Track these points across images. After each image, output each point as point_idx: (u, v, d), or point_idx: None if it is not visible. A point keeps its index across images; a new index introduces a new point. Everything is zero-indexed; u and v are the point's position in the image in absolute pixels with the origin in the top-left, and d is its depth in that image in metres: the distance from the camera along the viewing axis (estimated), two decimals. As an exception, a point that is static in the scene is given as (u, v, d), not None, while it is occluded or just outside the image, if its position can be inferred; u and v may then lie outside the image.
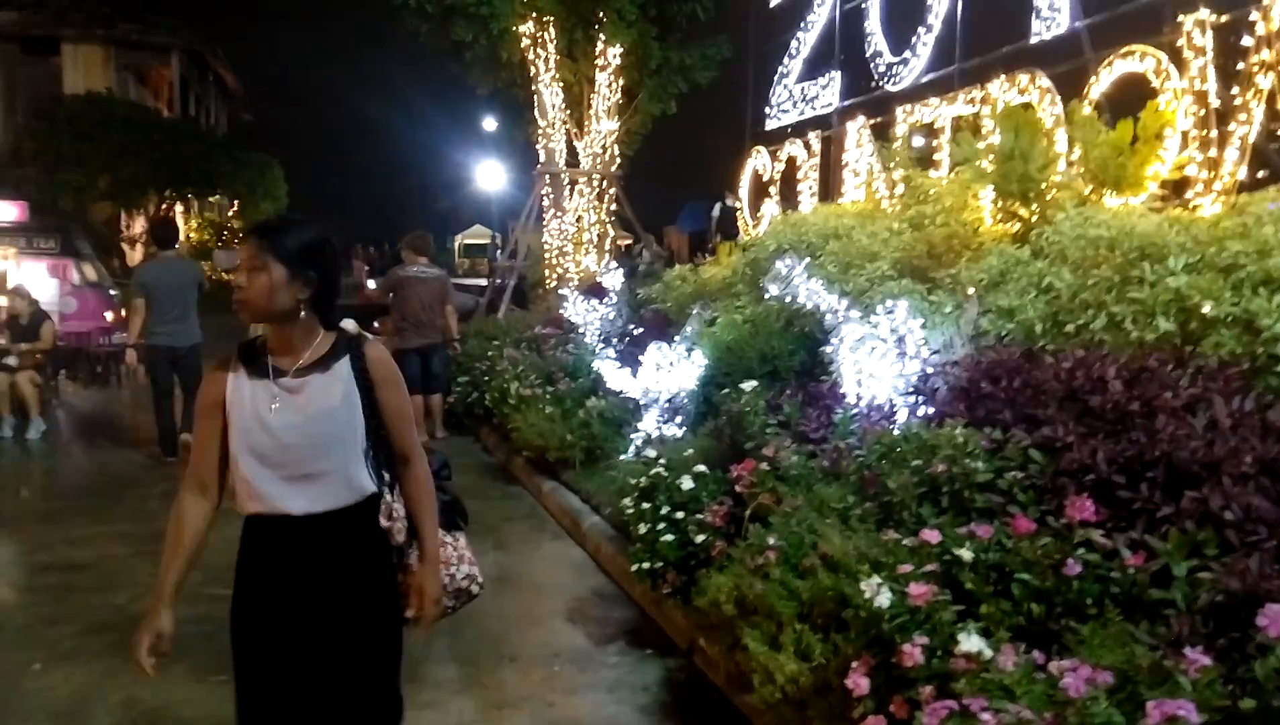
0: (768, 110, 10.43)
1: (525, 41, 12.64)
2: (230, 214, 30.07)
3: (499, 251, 24.97)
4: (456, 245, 43.84)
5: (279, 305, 2.19)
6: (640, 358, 6.28)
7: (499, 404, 8.38)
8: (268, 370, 2.25)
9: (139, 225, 24.23)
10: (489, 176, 31.89)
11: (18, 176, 20.38)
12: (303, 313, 2.24)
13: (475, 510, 6.73)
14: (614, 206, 13.45)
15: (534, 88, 12.95)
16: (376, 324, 10.72)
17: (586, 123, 13.13)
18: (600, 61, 12.70)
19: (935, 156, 7.20)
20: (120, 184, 21.95)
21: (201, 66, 32.40)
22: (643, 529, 4.43)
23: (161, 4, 28.47)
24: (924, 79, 7.75)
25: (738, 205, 10.97)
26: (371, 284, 10.65)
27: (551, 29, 12.51)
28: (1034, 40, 6.54)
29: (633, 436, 6.33)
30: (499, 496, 7.19)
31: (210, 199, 29.01)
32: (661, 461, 4.64)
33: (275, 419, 2.21)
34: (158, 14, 28.08)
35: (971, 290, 5.05)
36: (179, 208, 26.77)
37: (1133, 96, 5.40)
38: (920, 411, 4.30)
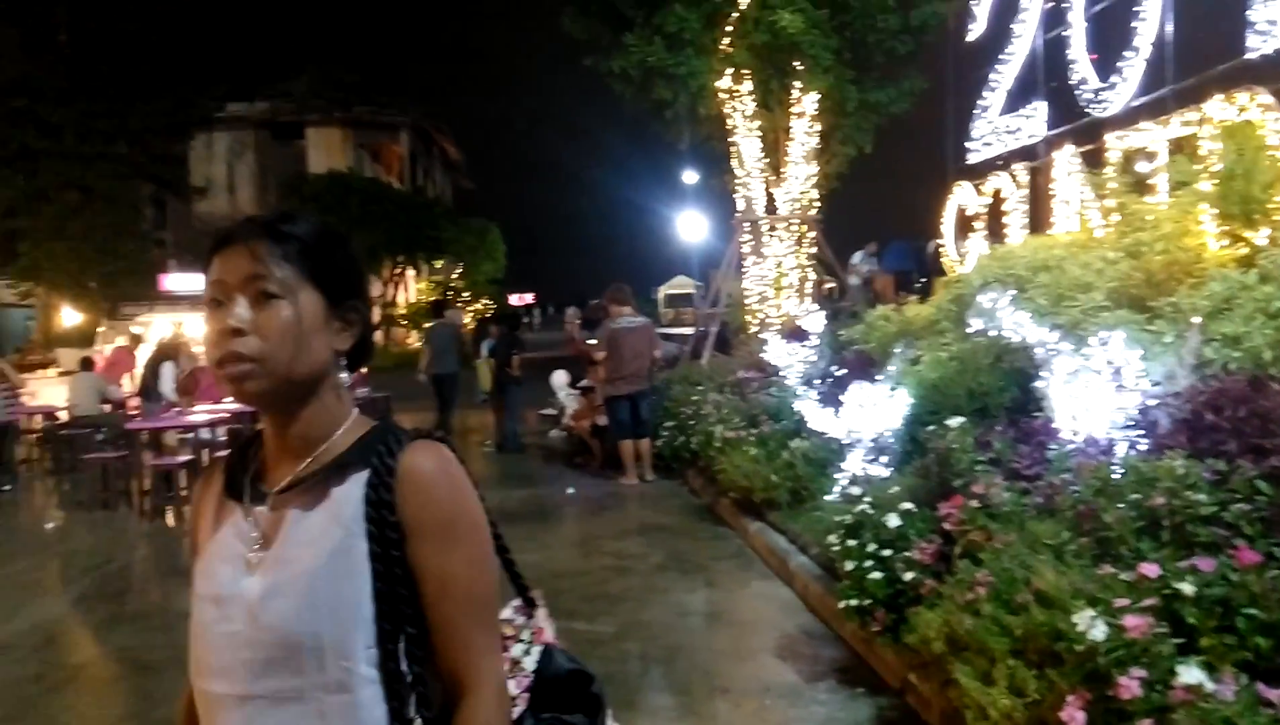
0: (969, 144, 10.26)
1: (722, 96, 13.01)
2: (455, 276, 32.15)
3: (702, 300, 25.47)
4: (660, 296, 44.88)
5: (310, 364, 1.24)
6: (843, 398, 6.32)
7: (704, 447, 8.59)
8: (242, 489, 1.30)
9: (375, 289, 26.31)
10: (690, 227, 32.56)
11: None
12: (335, 380, 1.29)
13: (684, 549, 7.02)
14: (813, 250, 13.51)
15: (731, 139, 13.28)
16: (587, 380, 11.26)
17: (783, 169, 13.31)
18: (796, 109, 12.88)
19: (1150, 181, 6.90)
20: (360, 252, 24.13)
21: (427, 140, 35.07)
22: (850, 567, 4.47)
23: (392, 85, 31.17)
24: (1134, 103, 7.45)
25: (940, 243, 10.81)
26: (593, 340, 11.23)
27: (748, 82, 12.82)
28: (1251, 56, 6.19)
29: (837, 477, 6.36)
30: (707, 537, 7.36)
31: (436, 263, 31.17)
32: (867, 499, 4.68)
33: (229, 582, 1.25)
34: (389, 94, 30.77)
35: (1194, 318, 4.82)
36: (410, 271, 28.97)
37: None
38: (1139, 445, 4.15)
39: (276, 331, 1.20)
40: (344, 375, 1.31)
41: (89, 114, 21.57)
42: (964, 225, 10.15)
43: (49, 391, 14.93)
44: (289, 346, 1.20)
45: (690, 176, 27.38)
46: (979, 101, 10.09)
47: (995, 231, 9.53)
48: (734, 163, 13.43)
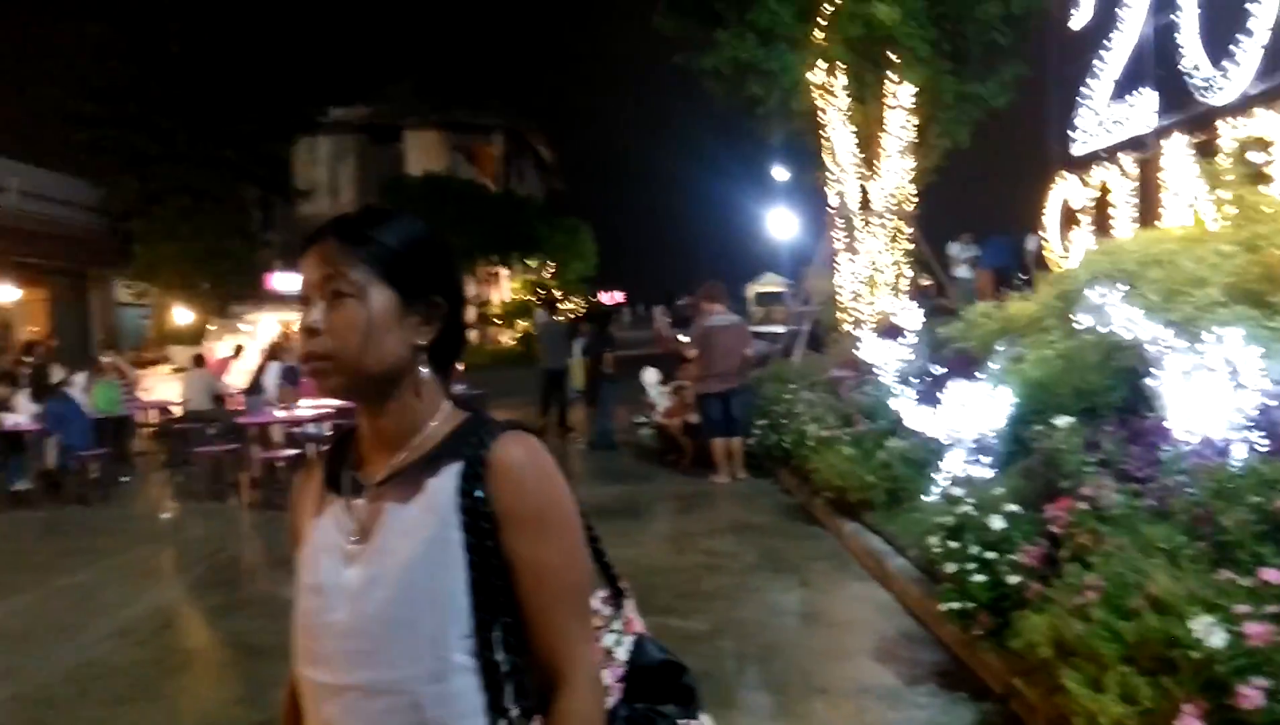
0: (1073, 136, 9.93)
1: (815, 90, 12.86)
2: (547, 275, 32.55)
3: (792, 298, 25.28)
4: (750, 294, 44.61)
5: (378, 360, 1.25)
6: (941, 397, 6.20)
7: (797, 446, 8.51)
8: (340, 481, 1.34)
9: (470, 288, 26.83)
10: (780, 224, 32.29)
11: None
12: (417, 374, 1.30)
13: (778, 548, 6.98)
14: (910, 246, 13.25)
15: (824, 134, 13.12)
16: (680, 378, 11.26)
17: (878, 163, 13.09)
18: (891, 101, 12.66)
19: (1267, 171, 6.58)
20: (450, 246, 24.71)
21: (520, 142, 35.58)
22: (951, 569, 4.39)
23: (487, 87, 31.85)
24: (1250, 91, 7.11)
25: (1042, 238, 10.50)
26: (684, 338, 11.25)
27: (842, 75, 12.65)
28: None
29: (936, 477, 6.24)
30: (801, 536, 7.30)
31: (530, 262, 31.61)
32: (969, 500, 4.58)
33: (328, 573, 1.29)
34: (484, 97, 31.42)
35: (1319, 314, 4.59)
36: (503, 271, 29.44)
37: None
38: (1259, 446, 3.97)
39: (345, 330, 1.23)
40: (425, 370, 1.31)
41: (199, 119, 22.45)
42: (1068, 219, 9.84)
43: (162, 387, 15.60)
44: (357, 344, 1.23)
45: (780, 173, 27.14)
46: (1083, 91, 9.76)
47: (1101, 225, 9.21)
48: (826, 158, 13.27)
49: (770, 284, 42.24)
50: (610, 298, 39.14)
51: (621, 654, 1.42)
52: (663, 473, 10.49)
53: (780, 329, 18.07)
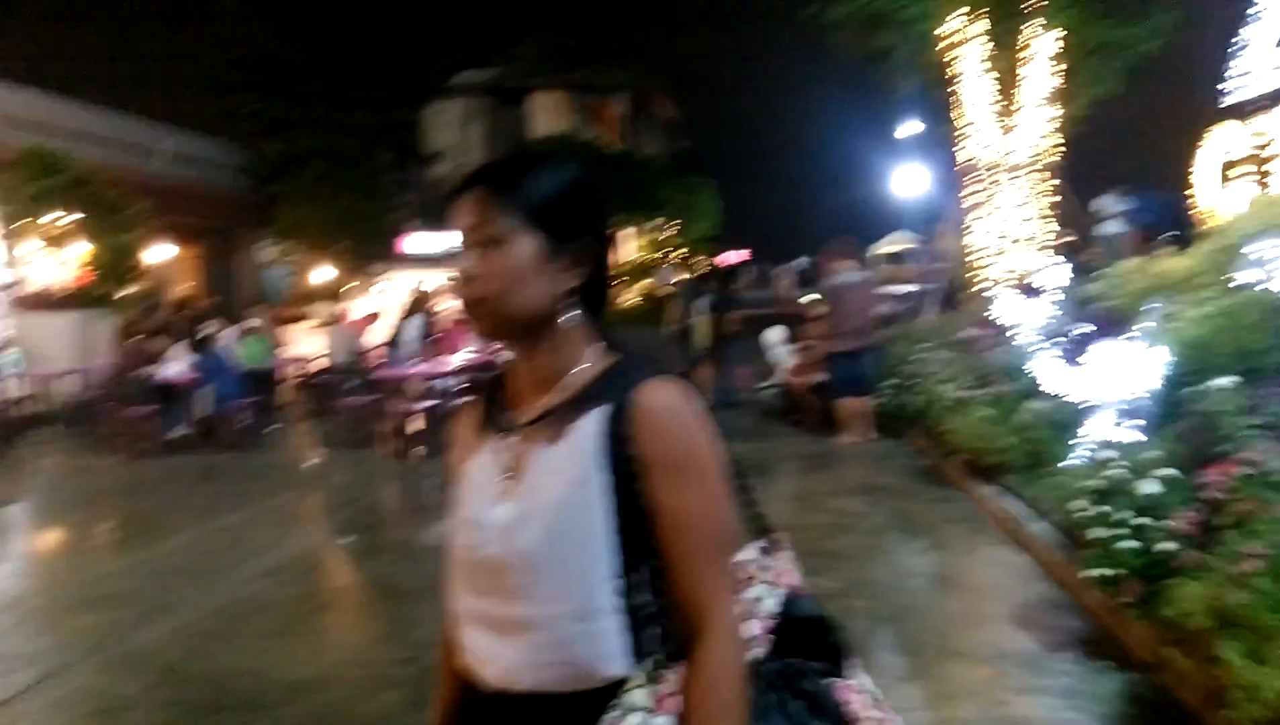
0: (1231, 83, 9.30)
1: (948, 40, 12.38)
2: (670, 233, 32.48)
3: (923, 256, 24.61)
4: (876, 252, 43.58)
5: (527, 304, 1.28)
6: (1084, 358, 5.95)
7: (929, 407, 8.32)
8: (494, 422, 1.38)
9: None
10: (907, 182, 31.39)
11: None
12: (566, 317, 1.32)
13: (909, 510, 6.87)
14: (1052, 200, 12.68)
15: (955, 86, 12.63)
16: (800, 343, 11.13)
17: (1015, 115, 12.52)
18: (1031, 49, 12.07)
19: None
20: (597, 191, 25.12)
21: (644, 100, 35.48)
22: (1097, 534, 4.23)
23: (611, 45, 31.84)
24: None
25: (1191, 192, 9.91)
26: (807, 297, 11.09)
27: (978, 23, 12.13)
28: None
29: (1077, 441, 6.01)
30: (933, 498, 7.16)
31: (653, 222, 31.63)
32: (1120, 464, 4.40)
33: (482, 508, 1.32)
34: (608, 55, 31.38)
35: None
36: (626, 230, 29.54)
37: None
38: None
39: (493, 276, 1.27)
40: (574, 313, 1.33)
41: (336, 84, 23.18)
42: (1225, 171, 9.25)
43: (303, 343, 16.32)
44: (504, 289, 1.26)
45: (907, 129, 26.30)
46: (1241, 35, 9.12)
47: (1262, 177, 8.64)
48: (959, 111, 12.78)
49: (896, 243, 41.15)
50: (732, 258, 38.72)
51: (769, 606, 1.40)
52: (788, 432, 10.41)
53: (907, 288, 17.65)
